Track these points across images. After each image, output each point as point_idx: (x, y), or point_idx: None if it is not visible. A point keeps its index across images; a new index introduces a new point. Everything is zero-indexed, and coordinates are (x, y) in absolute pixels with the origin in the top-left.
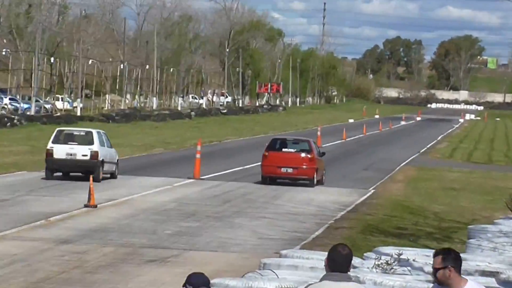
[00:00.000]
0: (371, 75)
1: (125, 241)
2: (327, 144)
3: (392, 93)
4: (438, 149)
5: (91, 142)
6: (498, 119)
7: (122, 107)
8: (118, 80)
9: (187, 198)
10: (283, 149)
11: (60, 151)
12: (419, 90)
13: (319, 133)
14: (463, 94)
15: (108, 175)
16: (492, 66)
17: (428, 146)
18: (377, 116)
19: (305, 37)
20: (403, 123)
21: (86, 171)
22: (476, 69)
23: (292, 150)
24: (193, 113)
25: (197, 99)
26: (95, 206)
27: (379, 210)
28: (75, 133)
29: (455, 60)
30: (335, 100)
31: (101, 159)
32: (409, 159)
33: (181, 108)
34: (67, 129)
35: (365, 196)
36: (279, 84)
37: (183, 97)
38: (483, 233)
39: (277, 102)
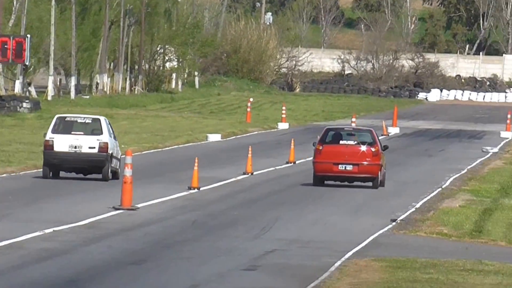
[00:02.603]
0: (270, 15)
1: None
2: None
3: (326, 61)
4: (446, 212)
5: (99, 132)
6: None
7: None
8: None
9: None
10: (341, 142)
11: (62, 143)
12: (399, 52)
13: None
14: None
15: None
16: None
17: (418, 204)
18: (283, 126)
19: None
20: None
21: (93, 168)
22: None
23: (351, 142)
24: None
25: None
26: None
27: None
28: (80, 120)
29: None
30: (175, 83)
31: (110, 152)
32: (368, 240)
33: None
34: (70, 116)
35: None
36: (23, 38)
37: None
38: None
39: (18, 87)
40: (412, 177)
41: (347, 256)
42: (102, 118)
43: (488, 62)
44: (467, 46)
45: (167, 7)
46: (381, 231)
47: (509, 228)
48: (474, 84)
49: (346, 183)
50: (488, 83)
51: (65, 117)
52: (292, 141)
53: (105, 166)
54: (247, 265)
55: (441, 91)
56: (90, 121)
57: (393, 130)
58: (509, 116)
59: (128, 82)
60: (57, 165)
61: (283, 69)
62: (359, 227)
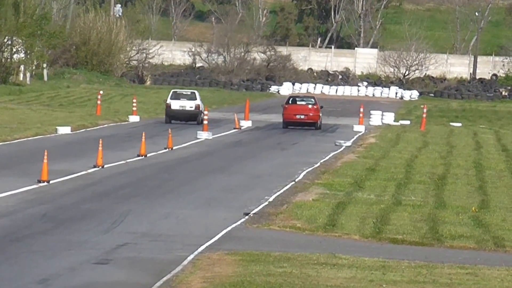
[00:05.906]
0: (119, 7)
1: None
2: None
3: (177, 54)
4: (300, 206)
5: (194, 98)
6: (455, 123)
7: None
8: None
9: None
10: (297, 102)
11: (175, 104)
12: (250, 45)
13: None
14: (363, 56)
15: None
16: None
17: (271, 197)
18: (134, 119)
19: None
20: (204, 136)
21: (192, 118)
22: None
23: (303, 103)
24: None
25: None
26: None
27: None
28: (184, 92)
29: None
30: (23, 75)
31: (200, 109)
32: (221, 234)
33: None
34: (179, 90)
35: None
36: None
37: None
38: None
39: None
40: (265, 170)
41: (200, 249)
42: (196, 92)
43: (340, 56)
44: (319, 39)
45: None
46: (234, 225)
47: (362, 222)
48: (326, 77)
49: (299, 127)
50: (340, 76)
51: (176, 91)
52: (143, 134)
53: (198, 117)
54: (99, 258)
55: (293, 84)
56: (189, 93)
57: (246, 124)
58: (361, 109)
59: None
60: (172, 116)
61: (133, 61)
62: (212, 220)
